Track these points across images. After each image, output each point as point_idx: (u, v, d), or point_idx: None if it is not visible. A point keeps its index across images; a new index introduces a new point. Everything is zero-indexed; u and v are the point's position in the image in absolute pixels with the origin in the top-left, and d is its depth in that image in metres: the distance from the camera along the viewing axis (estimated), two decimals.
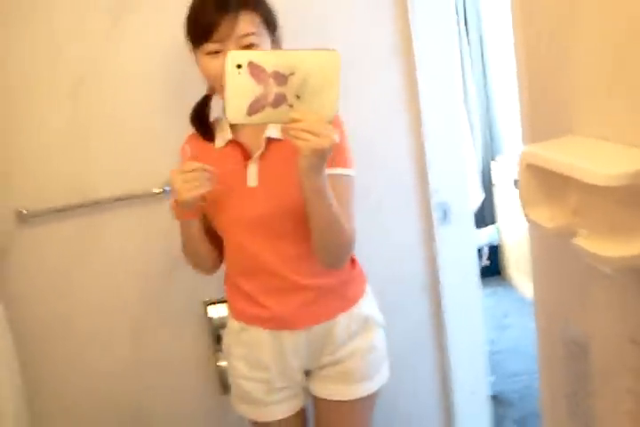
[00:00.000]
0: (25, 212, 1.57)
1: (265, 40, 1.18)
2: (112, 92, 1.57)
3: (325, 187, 1.10)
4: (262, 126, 1.23)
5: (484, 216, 3.47)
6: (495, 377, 2.50)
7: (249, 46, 1.14)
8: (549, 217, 0.94)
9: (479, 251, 3.29)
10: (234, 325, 1.37)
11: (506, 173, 3.33)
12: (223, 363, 1.70)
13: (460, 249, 1.73)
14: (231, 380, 1.42)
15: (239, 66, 0.98)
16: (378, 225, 1.71)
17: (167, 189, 1.57)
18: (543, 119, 1.06)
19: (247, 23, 1.13)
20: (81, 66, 1.54)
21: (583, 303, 1.03)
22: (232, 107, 1.01)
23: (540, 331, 1.28)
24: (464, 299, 1.77)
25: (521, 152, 0.94)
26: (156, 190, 1.60)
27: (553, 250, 1.12)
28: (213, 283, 1.60)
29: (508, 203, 3.38)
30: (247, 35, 1.13)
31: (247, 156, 1.25)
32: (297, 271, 1.27)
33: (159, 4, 1.53)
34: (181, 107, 1.35)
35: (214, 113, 1.34)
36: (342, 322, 1.31)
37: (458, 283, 1.74)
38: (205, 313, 1.71)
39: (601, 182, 0.75)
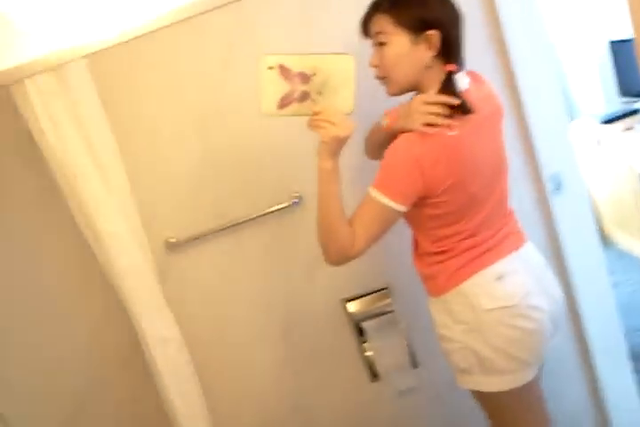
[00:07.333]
0: (173, 240, 1.74)
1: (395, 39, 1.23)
2: (235, 125, 1.70)
3: (332, 173, 1.21)
4: None
5: None
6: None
7: (382, 44, 1.23)
8: None
9: None
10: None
11: (584, 133, 3.38)
12: (370, 353, 1.83)
13: (578, 218, 1.80)
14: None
15: (271, 67, 1.17)
16: None
17: (295, 201, 1.73)
18: None
19: (375, 23, 1.24)
20: (200, 102, 1.67)
21: None
22: (265, 102, 1.20)
23: None
24: (588, 262, 1.85)
25: None
26: (285, 204, 1.74)
27: None
28: (350, 280, 1.78)
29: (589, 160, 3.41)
30: (380, 33, 1.24)
31: None
32: None
33: None
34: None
35: None
36: None
37: (580, 248, 1.83)
38: (345, 309, 1.83)
39: None
